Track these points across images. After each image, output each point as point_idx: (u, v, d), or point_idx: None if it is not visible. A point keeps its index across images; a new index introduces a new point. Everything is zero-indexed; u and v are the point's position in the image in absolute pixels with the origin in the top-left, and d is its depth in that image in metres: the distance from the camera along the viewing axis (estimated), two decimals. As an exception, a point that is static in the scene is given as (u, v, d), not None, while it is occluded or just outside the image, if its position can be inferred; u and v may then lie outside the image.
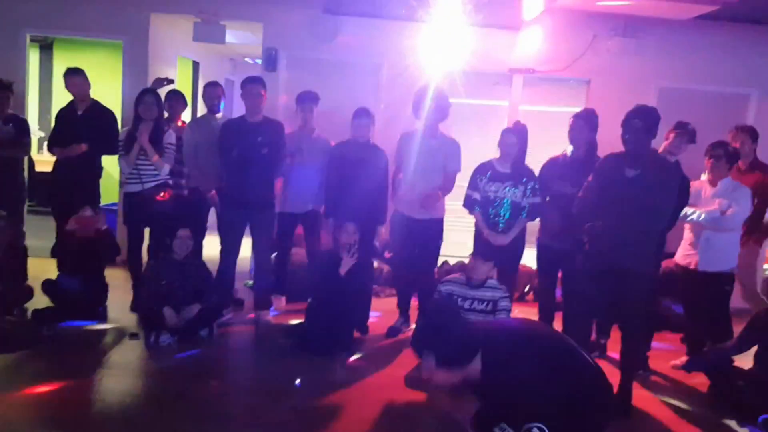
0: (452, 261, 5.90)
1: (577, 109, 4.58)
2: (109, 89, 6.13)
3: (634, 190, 3.49)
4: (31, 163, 6.31)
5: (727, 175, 4.22)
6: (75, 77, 4.95)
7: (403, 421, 3.36)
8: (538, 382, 2.22)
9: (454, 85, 5.23)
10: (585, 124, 4.22)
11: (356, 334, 4.51)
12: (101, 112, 5.00)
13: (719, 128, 4.65)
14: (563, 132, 4.34)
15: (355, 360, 4.17)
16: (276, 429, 3.14)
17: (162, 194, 4.70)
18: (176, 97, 5.33)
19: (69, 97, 5.06)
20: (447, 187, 4.58)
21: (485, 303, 4.03)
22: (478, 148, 5.14)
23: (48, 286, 4.48)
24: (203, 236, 5.21)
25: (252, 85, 4.59)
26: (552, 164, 4.39)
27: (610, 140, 3.78)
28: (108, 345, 4.17)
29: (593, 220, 3.63)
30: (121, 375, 3.69)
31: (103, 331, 4.39)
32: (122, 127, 5.14)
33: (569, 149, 4.33)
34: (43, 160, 7.03)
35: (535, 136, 4.61)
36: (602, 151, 3.99)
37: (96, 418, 3.21)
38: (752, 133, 4.57)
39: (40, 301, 4.46)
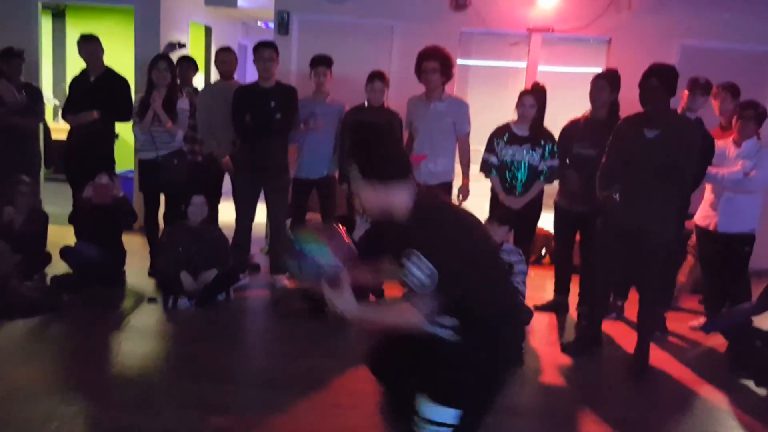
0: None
1: (598, 70, 4.49)
2: (121, 56, 6.08)
3: (653, 150, 3.42)
4: (47, 131, 6.32)
5: (753, 136, 4.12)
6: (88, 44, 4.91)
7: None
8: (466, 259, 1.93)
9: (471, 46, 5.12)
10: (607, 84, 4.12)
11: (372, 298, 4.52)
12: (114, 78, 4.98)
13: (744, 87, 4.51)
14: (583, 93, 4.25)
15: (371, 324, 4.19)
16: (291, 390, 3.17)
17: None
18: (187, 62, 5.29)
19: (82, 65, 5.04)
20: (464, 157, 4.56)
21: (501, 266, 4.01)
22: (495, 111, 5.06)
23: (66, 252, 4.53)
24: (218, 202, 5.23)
25: (264, 50, 4.53)
26: (573, 126, 4.30)
27: (631, 101, 3.68)
28: (127, 309, 4.23)
29: (613, 185, 3.58)
30: (139, 338, 3.75)
31: (122, 296, 4.45)
32: (135, 93, 5.11)
33: (590, 111, 4.24)
34: (59, 128, 7.04)
35: (554, 98, 4.51)
36: (624, 112, 3.90)
37: (116, 380, 3.27)
38: (733, 91, 4.48)
39: (58, 267, 4.52)
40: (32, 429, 2.70)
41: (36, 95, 5.23)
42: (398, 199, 2.00)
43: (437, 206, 2.09)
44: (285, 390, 3.17)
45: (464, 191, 4.57)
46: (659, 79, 3.40)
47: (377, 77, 4.62)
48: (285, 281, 4.78)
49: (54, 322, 3.90)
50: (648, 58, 3.85)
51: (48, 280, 4.44)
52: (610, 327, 4.19)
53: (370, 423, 2.89)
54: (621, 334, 4.18)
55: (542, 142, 4.27)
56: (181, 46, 5.56)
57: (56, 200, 5.91)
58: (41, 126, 5.65)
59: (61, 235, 4.81)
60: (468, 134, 4.56)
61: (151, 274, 4.76)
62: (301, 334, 3.93)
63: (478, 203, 4.54)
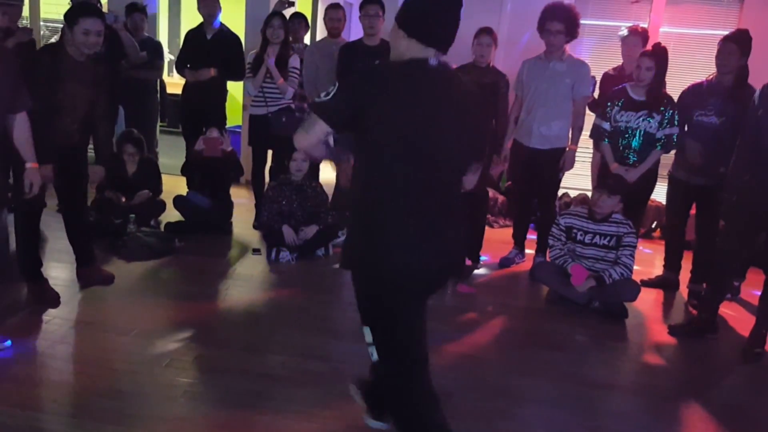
0: (573, 193, 5.67)
1: (727, 32, 4.11)
2: (233, 14, 6.24)
3: None
4: (163, 85, 6.62)
5: None
6: (210, 1, 4.98)
7: (514, 351, 3.32)
8: None
9: (588, 4, 4.84)
10: (737, 47, 3.77)
11: (468, 263, 4.47)
12: (229, 37, 5.03)
13: None
14: (709, 56, 3.93)
15: (466, 288, 4.15)
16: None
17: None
18: (299, 20, 5.33)
19: (197, 21, 5.17)
20: (577, 122, 4.32)
21: (608, 238, 3.84)
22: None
23: (179, 201, 4.79)
24: (321, 160, 5.29)
25: (371, 6, 4.48)
26: (695, 90, 4.00)
27: (762, 67, 3.37)
28: (233, 258, 4.43)
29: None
30: (244, 286, 3.91)
31: (229, 246, 4.65)
32: (245, 51, 5.22)
33: (714, 75, 3.92)
34: (174, 83, 7.37)
35: (676, 61, 4.20)
36: (753, 80, 3.57)
37: (223, 323, 3.45)
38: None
39: (172, 214, 4.78)
40: (146, 362, 2.89)
41: (157, 50, 5.46)
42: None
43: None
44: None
45: (570, 159, 4.36)
46: None
47: (485, 31, 4.47)
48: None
49: (167, 266, 4.15)
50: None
51: (162, 226, 4.72)
52: (724, 308, 3.94)
53: (467, 385, 2.88)
54: (735, 315, 3.92)
55: (661, 108, 4.00)
56: (291, 3, 5.60)
57: (170, 152, 6.22)
58: (158, 80, 5.91)
59: (174, 184, 5.07)
60: (586, 99, 4.32)
61: (256, 226, 4.94)
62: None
63: (587, 170, 4.35)
